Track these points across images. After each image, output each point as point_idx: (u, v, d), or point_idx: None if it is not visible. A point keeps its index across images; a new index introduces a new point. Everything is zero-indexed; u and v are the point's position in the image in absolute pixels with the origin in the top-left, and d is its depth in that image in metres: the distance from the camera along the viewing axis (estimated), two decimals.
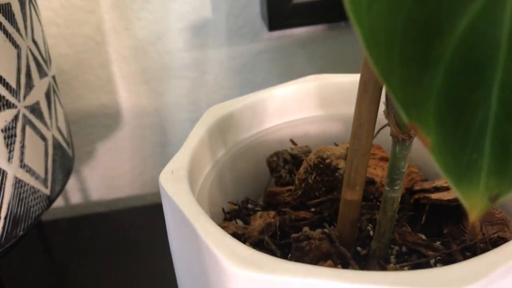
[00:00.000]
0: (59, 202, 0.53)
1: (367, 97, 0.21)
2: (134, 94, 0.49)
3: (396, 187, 0.22)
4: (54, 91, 0.34)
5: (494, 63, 0.13)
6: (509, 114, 0.13)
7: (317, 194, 0.27)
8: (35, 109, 0.30)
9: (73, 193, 0.53)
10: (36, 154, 0.30)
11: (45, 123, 0.31)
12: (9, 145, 0.28)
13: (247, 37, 0.47)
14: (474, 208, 0.14)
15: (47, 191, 0.31)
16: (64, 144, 0.35)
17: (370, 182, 0.27)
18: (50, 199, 0.32)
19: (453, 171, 0.14)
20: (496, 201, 0.14)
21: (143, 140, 0.52)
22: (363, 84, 0.21)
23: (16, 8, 0.28)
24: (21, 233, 0.29)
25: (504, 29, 0.12)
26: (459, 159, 0.14)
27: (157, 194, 0.54)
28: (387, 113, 0.21)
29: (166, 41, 0.47)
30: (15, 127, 0.28)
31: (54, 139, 0.33)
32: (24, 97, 0.29)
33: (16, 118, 0.28)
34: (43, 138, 0.31)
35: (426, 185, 0.26)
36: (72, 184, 0.53)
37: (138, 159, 0.53)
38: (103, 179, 0.53)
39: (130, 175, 0.53)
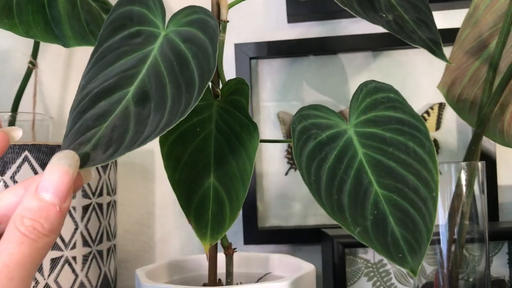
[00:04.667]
0: None
1: None
2: None
3: None
4: (113, 251, 0.68)
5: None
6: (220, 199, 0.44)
7: None
8: (100, 252, 0.63)
9: None
10: (94, 274, 0.62)
11: (103, 262, 0.64)
12: (84, 265, 0.60)
13: None
14: (206, 246, 0.44)
15: None
16: (109, 279, 0.66)
17: None
18: None
19: (199, 234, 0.44)
20: (214, 243, 0.44)
21: None
22: None
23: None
24: None
25: None
26: (201, 229, 0.44)
27: None
28: None
29: None
30: (88, 258, 0.61)
31: (105, 272, 0.64)
32: (97, 245, 0.63)
33: (90, 253, 0.61)
34: (100, 268, 0.63)
35: None
36: None
37: None
38: None
39: None
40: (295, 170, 0.77)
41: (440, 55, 0.43)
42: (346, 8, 0.43)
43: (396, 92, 0.39)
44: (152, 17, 0.35)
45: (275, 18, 0.80)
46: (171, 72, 0.33)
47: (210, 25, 0.35)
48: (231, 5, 0.47)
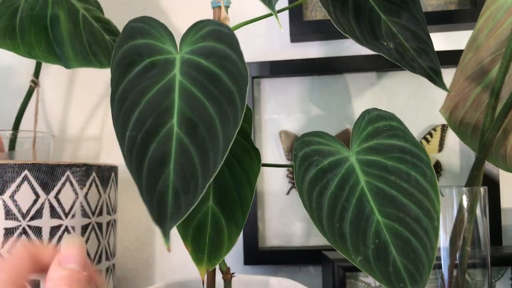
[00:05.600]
0: None
1: None
2: None
3: None
4: (112, 271, 0.67)
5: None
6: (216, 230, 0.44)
7: None
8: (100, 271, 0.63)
9: None
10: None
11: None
12: None
13: None
14: (202, 271, 0.43)
15: None
16: None
17: None
18: None
19: (196, 259, 0.44)
20: (210, 268, 0.43)
21: None
22: None
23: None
24: None
25: None
26: (198, 254, 0.44)
27: None
28: None
29: None
30: None
31: None
32: (95, 265, 0.62)
33: None
34: None
35: None
36: None
37: None
38: None
39: None
40: (296, 189, 0.77)
41: (440, 84, 0.42)
42: (347, 35, 0.43)
43: (398, 120, 0.39)
44: (160, 44, 0.34)
45: (278, 37, 0.80)
46: (205, 91, 0.32)
47: (224, 33, 0.35)
48: (234, 29, 0.47)
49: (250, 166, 0.41)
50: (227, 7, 0.46)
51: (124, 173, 0.82)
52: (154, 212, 0.28)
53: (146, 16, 0.36)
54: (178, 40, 0.37)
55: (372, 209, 0.38)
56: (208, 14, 0.83)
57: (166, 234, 0.28)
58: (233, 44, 0.33)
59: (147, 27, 0.35)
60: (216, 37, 0.34)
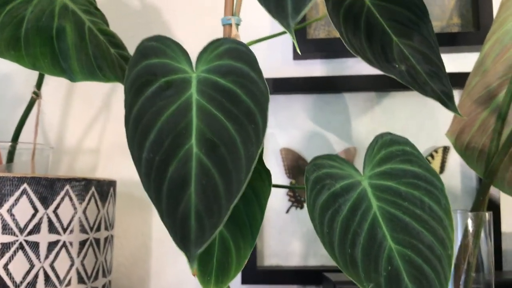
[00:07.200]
0: None
1: None
2: None
3: None
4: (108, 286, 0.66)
5: None
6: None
7: None
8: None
9: None
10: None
11: None
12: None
13: None
14: None
15: None
16: None
17: None
18: None
19: (203, 281, 0.43)
20: None
21: None
22: None
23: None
24: None
25: None
26: (205, 276, 0.43)
27: None
28: None
29: None
30: None
31: None
32: (92, 282, 0.61)
33: None
34: None
35: None
36: None
37: None
38: None
39: None
40: (296, 208, 0.76)
41: (452, 108, 0.42)
42: (358, 56, 0.43)
43: (412, 145, 0.39)
44: (176, 64, 0.34)
45: (281, 54, 0.80)
46: (224, 110, 0.31)
47: (241, 51, 0.34)
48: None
49: (261, 188, 0.40)
50: (237, 24, 0.46)
51: (120, 187, 0.81)
52: (177, 236, 0.27)
53: (160, 35, 0.36)
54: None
55: (384, 235, 0.37)
56: (213, 28, 0.82)
57: (191, 259, 0.27)
58: (252, 62, 0.33)
59: (161, 46, 0.35)
60: (233, 55, 0.34)
